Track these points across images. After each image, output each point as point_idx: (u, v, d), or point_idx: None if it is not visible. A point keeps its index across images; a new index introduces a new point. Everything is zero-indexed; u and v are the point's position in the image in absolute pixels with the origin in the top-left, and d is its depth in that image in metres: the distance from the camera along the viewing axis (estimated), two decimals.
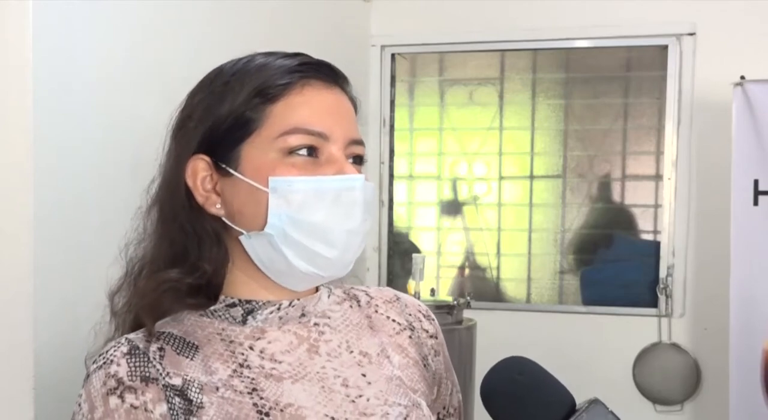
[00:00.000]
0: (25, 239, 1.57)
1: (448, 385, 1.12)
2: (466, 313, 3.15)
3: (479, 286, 3.75)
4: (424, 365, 1.08)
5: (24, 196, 1.57)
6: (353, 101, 1.02)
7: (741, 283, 2.95)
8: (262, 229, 0.94)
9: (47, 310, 1.75)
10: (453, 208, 3.82)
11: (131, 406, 0.90)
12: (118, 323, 1.01)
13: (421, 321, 1.11)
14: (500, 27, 3.64)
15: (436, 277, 3.80)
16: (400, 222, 3.87)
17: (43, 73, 1.69)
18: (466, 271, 3.81)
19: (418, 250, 3.67)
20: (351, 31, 3.59)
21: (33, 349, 1.59)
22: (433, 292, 3.32)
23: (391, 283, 3.70)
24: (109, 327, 1.02)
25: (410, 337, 1.08)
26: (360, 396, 0.98)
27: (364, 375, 1.00)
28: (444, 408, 1.12)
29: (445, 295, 3.68)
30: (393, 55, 3.77)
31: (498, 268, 3.75)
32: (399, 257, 3.80)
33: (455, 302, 3.07)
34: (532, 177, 3.69)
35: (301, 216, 0.93)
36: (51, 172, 1.80)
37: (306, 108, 0.96)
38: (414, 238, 3.86)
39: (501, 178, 3.73)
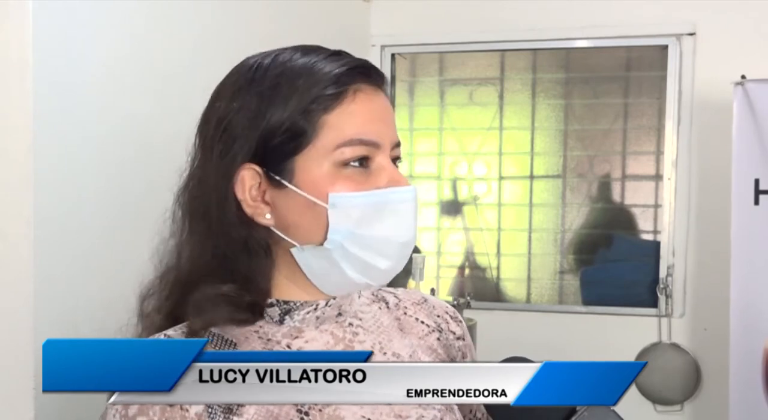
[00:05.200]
0: (25, 240, 1.57)
1: None
2: (466, 313, 3.15)
3: (479, 286, 3.75)
4: None
5: (24, 196, 1.56)
6: (390, 100, 1.01)
7: (741, 283, 2.95)
8: (320, 244, 0.93)
9: (47, 309, 1.75)
10: (453, 208, 3.82)
11: (167, 403, 0.89)
12: (145, 325, 1.00)
13: (448, 323, 1.11)
14: (500, 27, 3.64)
15: (436, 277, 3.80)
16: None
17: (43, 73, 1.69)
18: (466, 271, 3.81)
19: (418, 250, 3.67)
20: (351, 31, 3.59)
21: (33, 349, 1.59)
22: (433, 292, 3.32)
23: (391, 282, 3.69)
24: (135, 329, 1.01)
25: (438, 338, 1.08)
26: None
27: None
28: (471, 411, 1.11)
29: (445, 295, 3.68)
30: (393, 55, 3.77)
31: (498, 268, 3.75)
32: None
33: (455, 302, 3.08)
34: (532, 177, 3.69)
35: (360, 231, 0.93)
36: (51, 172, 1.80)
37: (359, 117, 0.94)
38: None
39: (501, 178, 3.74)
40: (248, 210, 0.95)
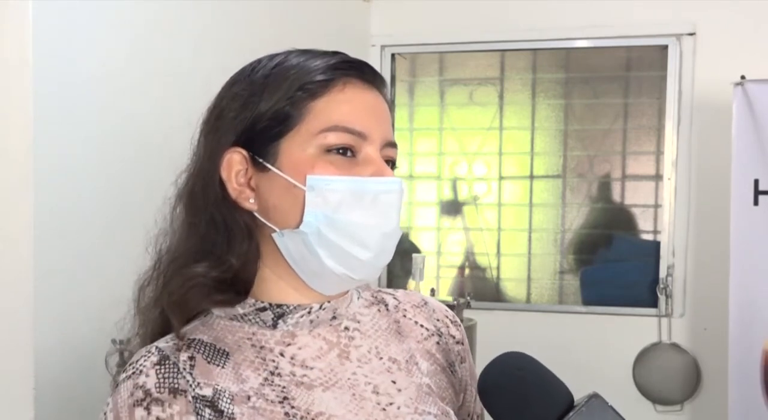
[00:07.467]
0: (25, 240, 1.57)
1: (473, 392, 1.10)
2: (466, 313, 3.15)
3: (479, 286, 3.75)
4: (452, 372, 1.07)
5: (24, 196, 1.57)
6: (388, 103, 1.01)
7: (740, 284, 2.95)
8: (297, 227, 0.93)
9: (47, 310, 1.75)
10: (453, 208, 3.82)
11: (157, 419, 0.89)
12: (143, 319, 1.00)
13: (448, 327, 1.10)
14: (500, 27, 3.64)
15: (436, 277, 3.80)
16: (400, 222, 3.86)
17: (43, 73, 1.69)
18: (466, 271, 3.81)
19: (418, 250, 3.67)
20: (351, 31, 3.59)
21: (33, 350, 1.59)
22: (433, 292, 3.32)
23: (391, 283, 3.70)
24: (133, 322, 1.01)
25: (438, 343, 1.07)
26: (391, 404, 0.97)
27: (394, 382, 0.99)
28: (468, 415, 1.11)
29: (445, 295, 3.68)
30: (393, 55, 3.77)
31: (498, 268, 3.75)
32: (399, 257, 3.79)
33: (455, 302, 3.08)
34: (532, 177, 3.69)
35: (337, 216, 0.92)
36: (51, 172, 1.81)
37: (347, 106, 0.94)
38: (414, 238, 3.86)
39: (501, 178, 3.74)
40: (233, 193, 0.96)
